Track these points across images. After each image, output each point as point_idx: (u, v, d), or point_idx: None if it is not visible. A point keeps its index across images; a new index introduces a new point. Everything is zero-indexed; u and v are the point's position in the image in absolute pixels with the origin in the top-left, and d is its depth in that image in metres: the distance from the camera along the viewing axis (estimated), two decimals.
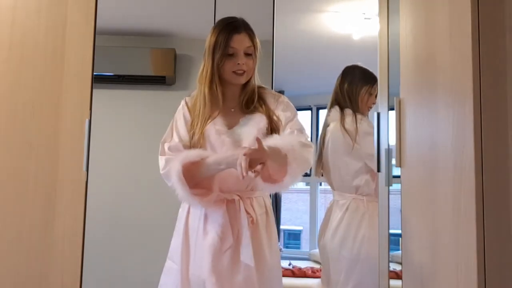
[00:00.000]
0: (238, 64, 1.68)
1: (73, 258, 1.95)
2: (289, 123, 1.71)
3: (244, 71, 1.70)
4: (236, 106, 1.75)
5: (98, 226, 2.30)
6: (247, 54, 1.70)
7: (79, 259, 1.95)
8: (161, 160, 1.67)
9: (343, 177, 2.32)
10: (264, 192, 1.69)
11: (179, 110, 1.76)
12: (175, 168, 1.56)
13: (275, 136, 1.62)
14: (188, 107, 1.74)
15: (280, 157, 1.54)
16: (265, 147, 1.49)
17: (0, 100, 2.02)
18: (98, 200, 2.19)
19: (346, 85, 2.41)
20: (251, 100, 1.74)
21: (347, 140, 2.30)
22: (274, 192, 1.67)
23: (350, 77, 2.43)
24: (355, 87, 2.40)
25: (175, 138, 1.69)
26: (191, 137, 1.69)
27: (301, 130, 1.71)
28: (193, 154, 1.60)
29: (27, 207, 1.97)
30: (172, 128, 1.74)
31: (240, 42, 1.70)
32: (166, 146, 1.69)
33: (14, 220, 1.97)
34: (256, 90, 1.76)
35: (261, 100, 1.75)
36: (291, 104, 1.78)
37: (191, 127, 1.70)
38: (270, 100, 1.76)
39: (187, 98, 1.78)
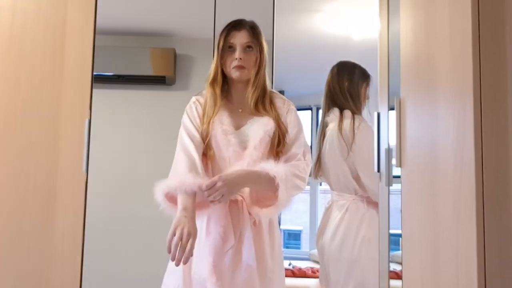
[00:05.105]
0: (236, 59, 1.71)
1: (73, 258, 1.95)
2: (296, 143, 1.72)
3: (244, 67, 1.72)
4: (244, 107, 1.75)
5: (98, 226, 2.30)
6: (247, 50, 1.73)
7: (79, 259, 1.95)
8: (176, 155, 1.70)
9: (341, 178, 2.31)
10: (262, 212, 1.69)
11: (191, 106, 1.77)
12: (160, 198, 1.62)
13: (269, 162, 1.63)
14: (199, 103, 1.76)
15: (265, 182, 1.59)
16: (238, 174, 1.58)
17: (0, 100, 2.02)
18: (98, 200, 2.19)
19: (346, 84, 2.36)
20: (261, 101, 1.74)
21: (343, 147, 2.27)
22: (266, 218, 1.68)
23: (349, 75, 2.38)
24: (355, 85, 2.36)
25: (187, 140, 1.69)
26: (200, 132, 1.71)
27: (304, 153, 1.73)
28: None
29: (27, 207, 1.97)
30: (185, 124, 1.74)
31: (238, 37, 1.74)
32: (180, 146, 1.69)
33: (14, 220, 1.96)
34: (268, 93, 1.77)
35: (271, 104, 1.76)
36: (298, 115, 1.79)
37: (201, 123, 1.72)
38: (280, 106, 1.77)
39: (197, 96, 1.79)
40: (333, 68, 2.43)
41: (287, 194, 1.60)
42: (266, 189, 1.63)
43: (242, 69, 1.72)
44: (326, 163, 2.36)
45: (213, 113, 1.71)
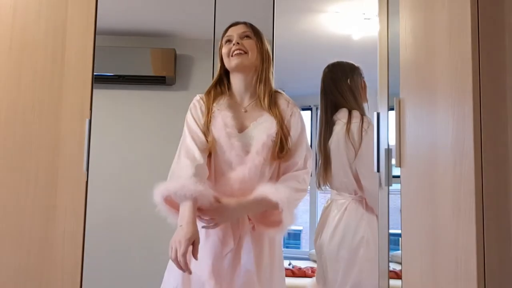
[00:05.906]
0: (234, 44, 1.72)
1: (73, 258, 1.95)
2: (297, 150, 1.71)
3: (244, 51, 1.72)
4: (249, 105, 1.75)
5: (98, 226, 2.30)
6: (245, 38, 1.74)
7: (79, 259, 1.95)
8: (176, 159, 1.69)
9: (342, 179, 2.29)
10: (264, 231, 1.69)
11: (195, 104, 1.76)
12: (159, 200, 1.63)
13: (269, 185, 1.63)
14: (204, 101, 1.75)
15: (267, 207, 1.61)
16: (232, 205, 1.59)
17: (0, 100, 2.02)
18: (99, 200, 2.19)
19: (348, 83, 2.34)
20: (270, 95, 1.74)
21: (350, 150, 2.25)
22: (273, 236, 1.69)
23: (346, 75, 2.37)
24: (354, 84, 2.35)
25: (191, 144, 1.68)
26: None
27: (306, 159, 1.72)
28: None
29: (28, 207, 1.97)
30: (190, 124, 1.73)
31: (235, 29, 1.76)
32: (183, 148, 1.68)
33: (14, 220, 1.97)
34: (273, 93, 1.77)
35: (276, 105, 1.75)
36: (302, 118, 1.78)
37: (204, 122, 1.71)
38: (284, 108, 1.75)
39: (201, 94, 1.79)
40: (326, 73, 2.42)
41: (290, 215, 1.61)
42: (268, 210, 1.64)
43: (241, 54, 1.71)
44: (329, 162, 2.33)
45: (211, 104, 1.71)
